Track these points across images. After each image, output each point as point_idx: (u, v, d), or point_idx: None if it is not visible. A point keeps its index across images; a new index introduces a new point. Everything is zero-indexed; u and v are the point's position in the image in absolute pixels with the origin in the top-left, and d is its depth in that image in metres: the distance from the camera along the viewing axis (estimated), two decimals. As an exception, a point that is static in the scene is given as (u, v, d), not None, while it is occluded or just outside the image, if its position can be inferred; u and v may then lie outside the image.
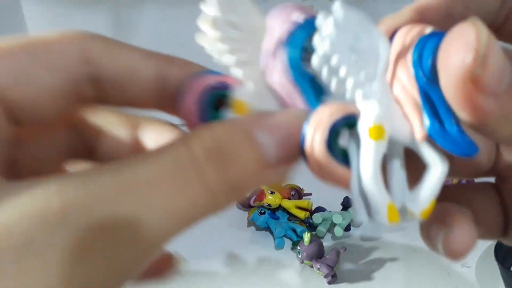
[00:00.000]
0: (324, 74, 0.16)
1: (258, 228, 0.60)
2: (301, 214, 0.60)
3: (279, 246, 0.57)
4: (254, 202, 0.62)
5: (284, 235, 0.58)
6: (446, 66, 0.13)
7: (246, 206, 0.64)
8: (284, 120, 0.15)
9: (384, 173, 0.16)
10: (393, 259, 0.54)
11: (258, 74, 0.17)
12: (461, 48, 0.12)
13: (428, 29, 0.16)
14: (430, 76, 0.15)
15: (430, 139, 0.16)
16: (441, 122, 0.15)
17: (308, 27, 0.16)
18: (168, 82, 0.17)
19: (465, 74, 0.12)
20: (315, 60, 0.15)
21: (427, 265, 0.53)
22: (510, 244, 0.20)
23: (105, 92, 0.16)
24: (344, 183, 0.16)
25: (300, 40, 0.16)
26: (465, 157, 0.15)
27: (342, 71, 0.15)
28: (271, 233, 0.59)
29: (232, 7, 0.16)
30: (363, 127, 0.15)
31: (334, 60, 0.15)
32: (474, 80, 0.12)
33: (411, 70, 0.16)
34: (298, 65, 0.16)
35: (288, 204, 0.61)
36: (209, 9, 0.16)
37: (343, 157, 0.16)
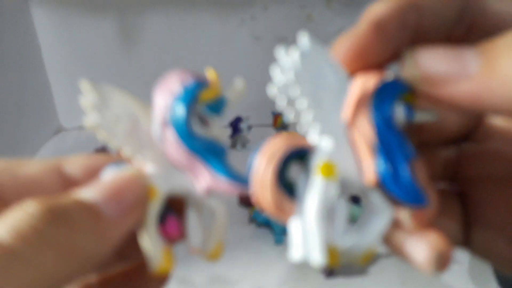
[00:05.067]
0: (282, 104, 0.15)
1: (259, 225, 0.62)
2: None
3: (278, 242, 0.58)
4: (255, 199, 0.63)
5: (285, 232, 0.59)
6: None
7: (247, 203, 0.65)
8: (112, 179, 0.16)
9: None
10: (388, 255, 0.55)
11: (155, 155, 0.17)
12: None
13: (391, 76, 0.16)
14: (389, 120, 0.15)
15: (380, 184, 0.15)
16: (394, 168, 0.15)
17: (188, 94, 0.16)
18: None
19: None
20: (273, 90, 0.15)
21: (421, 262, 0.54)
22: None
23: None
24: (286, 217, 0.15)
25: (184, 111, 0.16)
26: (414, 206, 0.15)
27: (303, 104, 0.15)
28: (272, 229, 0.60)
29: (105, 100, 0.17)
30: (315, 162, 0.15)
31: (296, 92, 0.14)
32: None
33: (371, 114, 0.15)
34: (187, 134, 0.16)
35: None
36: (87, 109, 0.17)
37: (290, 191, 0.15)
